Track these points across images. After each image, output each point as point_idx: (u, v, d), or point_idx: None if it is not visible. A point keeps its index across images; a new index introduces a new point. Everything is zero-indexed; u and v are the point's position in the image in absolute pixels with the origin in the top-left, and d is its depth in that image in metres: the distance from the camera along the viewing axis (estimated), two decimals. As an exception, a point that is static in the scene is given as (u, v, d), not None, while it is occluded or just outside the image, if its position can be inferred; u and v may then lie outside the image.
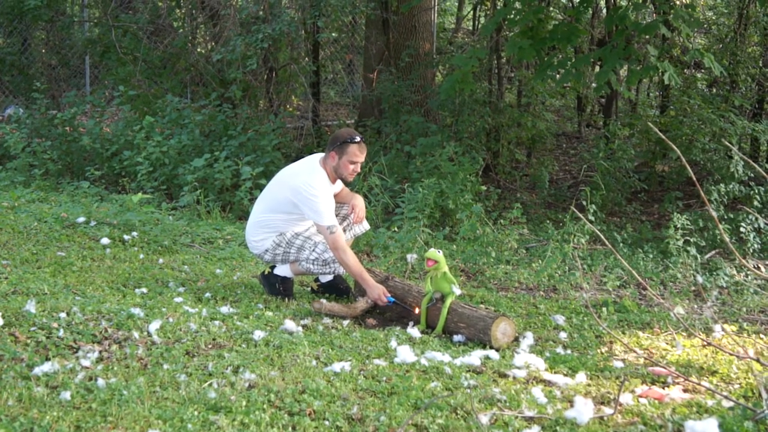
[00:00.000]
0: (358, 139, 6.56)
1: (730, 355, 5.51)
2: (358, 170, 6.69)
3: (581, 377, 5.15)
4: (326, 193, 6.54)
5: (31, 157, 12.15)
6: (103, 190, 11.35)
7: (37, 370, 4.75)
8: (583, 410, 4.40)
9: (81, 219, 8.96)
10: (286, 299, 6.78)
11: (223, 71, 13.26)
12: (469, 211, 9.22)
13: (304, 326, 6.09)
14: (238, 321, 6.05)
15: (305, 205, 6.49)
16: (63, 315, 5.72)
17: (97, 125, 12.54)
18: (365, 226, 7.04)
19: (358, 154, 6.56)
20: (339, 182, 6.82)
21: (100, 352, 5.19)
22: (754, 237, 8.93)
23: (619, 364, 5.47)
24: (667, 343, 6.07)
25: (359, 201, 6.91)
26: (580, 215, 5.62)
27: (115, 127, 12.75)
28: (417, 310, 6.34)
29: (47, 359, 4.98)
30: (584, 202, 9.17)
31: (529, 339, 5.96)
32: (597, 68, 12.71)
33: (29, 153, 12.21)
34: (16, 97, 16.32)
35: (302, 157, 12.37)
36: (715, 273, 8.26)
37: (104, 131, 12.61)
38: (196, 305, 6.37)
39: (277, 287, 6.84)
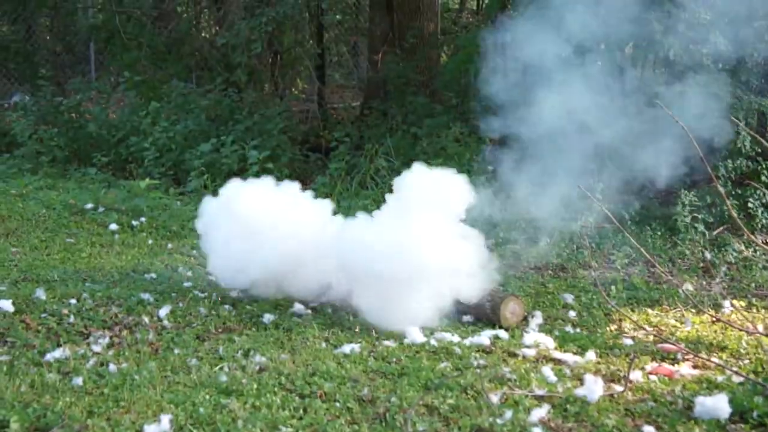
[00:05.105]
0: None
1: (740, 330, 5.52)
2: None
3: (591, 355, 5.16)
4: None
5: (37, 144, 12.13)
6: (111, 177, 11.34)
7: (49, 357, 4.77)
8: (594, 388, 4.42)
9: (89, 205, 8.97)
10: None
11: (227, 55, 13.21)
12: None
13: (312, 309, 6.10)
14: (248, 305, 6.07)
15: None
16: (73, 301, 5.75)
17: (103, 111, 12.53)
18: None
19: None
20: None
21: (111, 337, 5.22)
22: (762, 212, 8.88)
23: (628, 342, 5.48)
24: (676, 320, 6.08)
25: None
26: (588, 194, 5.61)
27: (121, 113, 12.74)
28: None
29: (59, 345, 5.01)
30: (592, 181, 9.13)
31: (538, 318, 5.97)
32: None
33: (36, 140, 12.18)
34: (22, 84, 16.28)
35: (308, 140, 12.29)
36: (723, 249, 8.24)
37: (110, 117, 12.60)
38: (206, 289, 6.40)
39: None
